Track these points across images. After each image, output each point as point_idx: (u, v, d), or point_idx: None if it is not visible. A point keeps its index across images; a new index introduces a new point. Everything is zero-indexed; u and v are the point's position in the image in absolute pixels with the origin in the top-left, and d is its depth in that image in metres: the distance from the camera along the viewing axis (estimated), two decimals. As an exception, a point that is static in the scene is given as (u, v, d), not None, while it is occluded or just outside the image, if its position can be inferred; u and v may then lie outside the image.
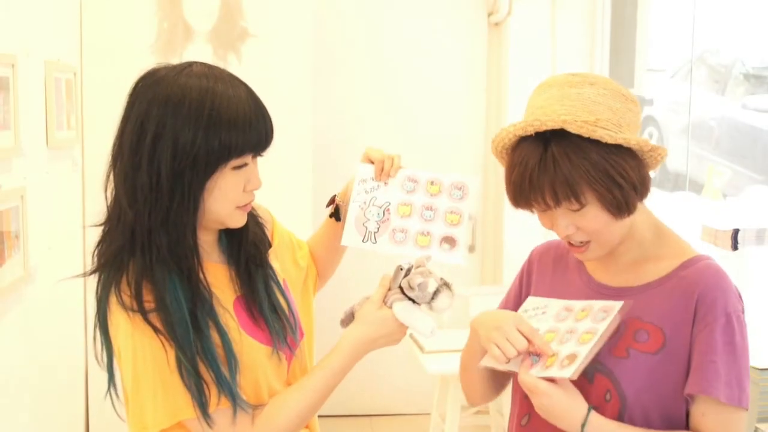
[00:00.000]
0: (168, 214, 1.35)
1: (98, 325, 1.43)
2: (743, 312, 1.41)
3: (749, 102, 4.64)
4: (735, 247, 2.58)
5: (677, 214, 3.27)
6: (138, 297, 1.36)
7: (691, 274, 1.41)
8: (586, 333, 1.36)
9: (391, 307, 1.49)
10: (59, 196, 2.95)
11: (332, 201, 1.73)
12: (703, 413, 1.37)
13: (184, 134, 1.33)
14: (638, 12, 4.16)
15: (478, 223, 4.39)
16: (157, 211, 1.35)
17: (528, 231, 4.38)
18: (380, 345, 1.51)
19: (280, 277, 1.60)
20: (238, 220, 1.45)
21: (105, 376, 1.47)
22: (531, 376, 1.35)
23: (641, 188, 1.39)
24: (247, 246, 1.53)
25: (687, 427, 1.39)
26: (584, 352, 1.33)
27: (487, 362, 1.43)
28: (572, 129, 1.33)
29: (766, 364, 2.10)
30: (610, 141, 1.33)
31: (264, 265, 1.55)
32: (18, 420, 2.45)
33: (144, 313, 1.35)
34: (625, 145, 1.35)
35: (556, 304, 1.47)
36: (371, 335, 1.49)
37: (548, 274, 1.60)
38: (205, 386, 1.36)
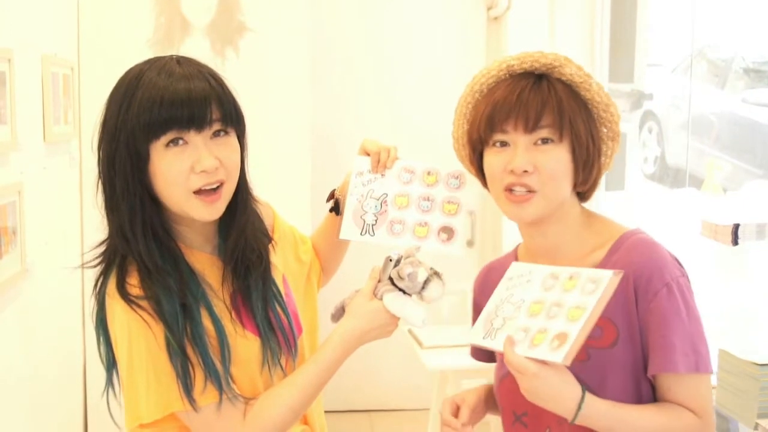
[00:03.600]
0: (118, 201, 1.38)
1: (97, 320, 1.44)
2: (684, 275, 1.38)
3: (749, 96, 4.64)
4: (735, 242, 2.57)
5: (677, 210, 3.26)
6: (124, 283, 1.37)
7: (621, 256, 1.38)
8: (575, 308, 1.26)
9: (381, 299, 1.48)
10: (57, 191, 2.94)
11: (332, 195, 1.72)
12: (668, 388, 1.36)
13: (113, 118, 1.37)
14: (638, 7, 4.15)
15: (477, 219, 4.38)
16: (110, 195, 1.39)
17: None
18: (372, 338, 1.49)
19: (280, 273, 1.59)
20: (200, 211, 1.38)
21: (103, 371, 1.48)
22: (518, 356, 1.26)
23: (600, 172, 1.45)
24: (242, 253, 1.49)
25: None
26: (575, 332, 1.23)
27: (472, 338, 1.39)
28: (570, 69, 1.40)
29: (766, 359, 2.09)
30: (602, 96, 1.40)
31: (266, 278, 1.52)
32: (16, 416, 2.45)
33: (133, 300, 1.36)
34: (617, 129, 1.42)
35: (541, 271, 1.38)
36: (363, 328, 1.47)
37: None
38: (190, 367, 1.35)
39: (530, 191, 1.39)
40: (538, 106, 1.37)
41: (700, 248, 2.81)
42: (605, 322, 1.36)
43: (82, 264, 1.46)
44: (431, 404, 3.78)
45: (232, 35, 3.37)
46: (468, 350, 3.69)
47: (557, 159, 1.38)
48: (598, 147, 1.42)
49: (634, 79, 4.52)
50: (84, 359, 3.25)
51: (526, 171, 1.38)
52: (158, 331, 1.35)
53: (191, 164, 1.35)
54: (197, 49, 3.25)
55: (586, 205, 1.51)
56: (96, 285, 1.43)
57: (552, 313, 1.29)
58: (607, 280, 1.27)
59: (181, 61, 1.41)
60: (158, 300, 1.36)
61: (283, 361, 1.50)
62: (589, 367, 1.38)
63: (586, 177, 1.42)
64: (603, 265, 1.39)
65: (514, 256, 1.57)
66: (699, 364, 1.34)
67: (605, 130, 1.44)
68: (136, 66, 1.42)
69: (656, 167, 4.81)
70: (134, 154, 1.34)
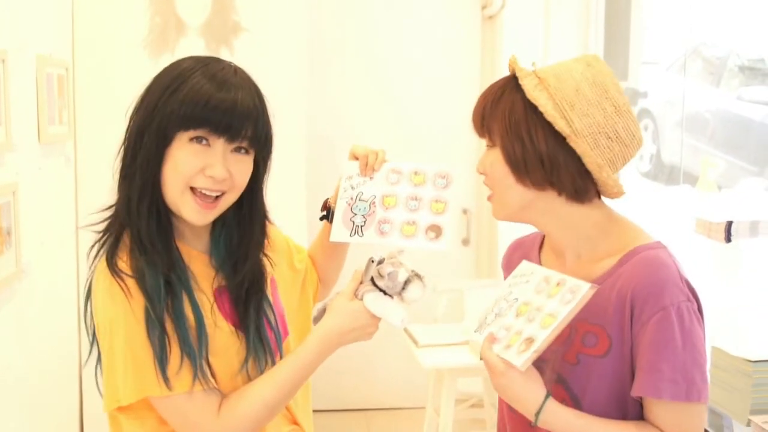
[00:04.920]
0: (135, 171, 1.40)
1: (87, 291, 1.46)
2: (690, 299, 1.33)
3: (744, 94, 4.64)
4: (728, 239, 2.58)
5: (672, 207, 3.27)
6: (114, 256, 1.40)
7: (626, 270, 1.36)
8: (549, 315, 1.30)
9: (362, 299, 1.48)
10: (52, 192, 2.94)
11: (325, 205, 1.73)
12: (651, 411, 1.34)
13: (152, 100, 1.40)
14: (632, 4, 4.16)
15: (472, 217, 4.39)
16: (125, 165, 1.42)
17: (522, 224, 4.39)
18: (352, 339, 1.49)
19: (269, 276, 1.59)
20: (191, 211, 1.41)
21: (100, 371, 1.47)
22: (492, 354, 1.32)
23: (553, 171, 1.35)
24: (258, 275, 1.53)
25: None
26: (540, 339, 1.28)
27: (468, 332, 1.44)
28: (519, 74, 1.39)
29: (759, 356, 2.10)
30: (530, 93, 1.35)
31: (257, 295, 1.53)
32: (13, 416, 2.45)
33: (118, 273, 1.37)
34: (559, 129, 1.33)
35: (539, 273, 1.41)
36: (343, 327, 1.47)
37: None
38: (167, 341, 1.36)
39: (491, 191, 1.46)
40: (475, 113, 1.44)
41: (694, 245, 2.82)
42: (601, 331, 1.36)
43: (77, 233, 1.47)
44: (427, 403, 3.79)
45: (227, 35, 3.37)
46: (463, 349, 3.69)
47: (491, 162, 1.42)
48: (538, 148, 1.35)
49: (628, 78, 4.53)
50: (80, 358, 3.25)
51: (481, 173, 1.45)
52: (139, 305, 1.36)
53: (204, 166, 1.39)
54: (192, 49, 3.25)
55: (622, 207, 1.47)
56: (92, 254, 1.45)
57: (531, 316, 1.33)
58: (583, 292, 1.29)
59: (238, 71, 1.46)
60: (142, 274, 1.38)
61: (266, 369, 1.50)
62: (577, 372, 1.38)
63: (529, 169, 1.36)
64: (609, 274, 1.38)
65: (541, 239, 1.58)
66: (690, 392, 1.30)
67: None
68: (193, 58, 1.45)
69: (652, 165, 4.82)
70: (162, 135, 1.38)
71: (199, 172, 1.39)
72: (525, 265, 1.47)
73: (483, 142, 1.47)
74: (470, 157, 4.28)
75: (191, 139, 1.38)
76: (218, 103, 1.37)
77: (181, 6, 3.33)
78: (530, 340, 1.28)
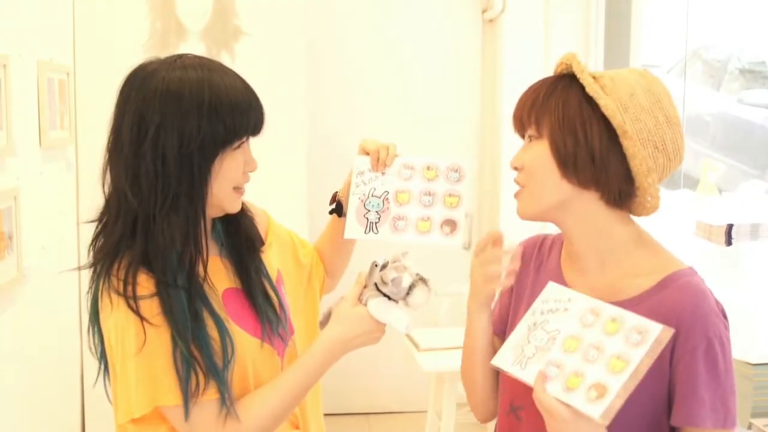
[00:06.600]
0: (178, 199, 1.37)
1: (91, 314, 1.44)
2: (726, 328, 1.34)
3: (745, 97, 4.65)
4: (729, 242, 2.58)
5: (672, 210, 3.26)
6: (132, 283, 1.36)
7: (669, 295, 1.33)
8: (617, 358, 1.20)
9: (366, 305, 1.47)
10: (53, 197, 2.95)
11: (334, 198, 1.73)
12: None
13: (189, 123, 1.36)
14: (632, 7, 4.16)
15: (473, 219, 4.39)
16: (165, 197, 1.37)
17: (523, 226, 4.37)
18: (358, 344, 1.48)
19: (274, 269, 1.60)
20: (235, 204, 1.47)
21: (102, 375, 1.49)
22: (550, 397, 1.22)
23: (602, 170, 1.33)
24: (243, 238, 1.55)
25: None
26: (616, 387, 1.17)
27: (499, 362, 1.31)
28: (577, 69, 1.36)
29: (759, 359, 2.10)
30: (591, 90, 1.32)
31: (255, 258, 1.56)
32: (12, 421, 2.45)
33: (136, 299, 1.35)
34: (616, 125, 1.31)
35: (581, 303, 1.30)
36: (347, 334, 1.47)
37: (530, 273, 1.53)
38: (194, 373, 1.35)
39: (522, 187, 1.41)
40: (522, 105, 1.41)
41: (695, 249, 2.82)
42: None
43: (81, 267, 1.47)
44: (428, 406, 3.79)
45: (227, 39, 3.37)
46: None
47: (536, 154, 1.37)
48: (591, 144, 1.32)
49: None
50: (81, 363, 3.25)
51: (516, 168, 1.41)
52: (164, 331, 1.35)
53: (243, 165, 1.44)
54: (193, 53, 3.25)
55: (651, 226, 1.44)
56: (92, 280, 1.43)
57: (590, 356, 1.23)
58: (656, 335, 1.21)
59: (219, 65, 1.46)
60: (168, 302, 1.36)
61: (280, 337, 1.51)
62: None
63: (577, 167, 1.34)
64: (648, 296, 1.34)
65: (559, 247, 1.52)
66: (727, 420, 1.30)
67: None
68: (179, 68, 1.42)
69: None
70: (212, 153, 1.39)
71: (241, 173, 1.45)
72: (555, 289, 1.36)
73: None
74: (470, 161, 4.27)
75: (237, 147, 1.42)
76: (255, 106, 1.43)
77: (181, 10, 3.34)
78: (602, 387, 1.18)
